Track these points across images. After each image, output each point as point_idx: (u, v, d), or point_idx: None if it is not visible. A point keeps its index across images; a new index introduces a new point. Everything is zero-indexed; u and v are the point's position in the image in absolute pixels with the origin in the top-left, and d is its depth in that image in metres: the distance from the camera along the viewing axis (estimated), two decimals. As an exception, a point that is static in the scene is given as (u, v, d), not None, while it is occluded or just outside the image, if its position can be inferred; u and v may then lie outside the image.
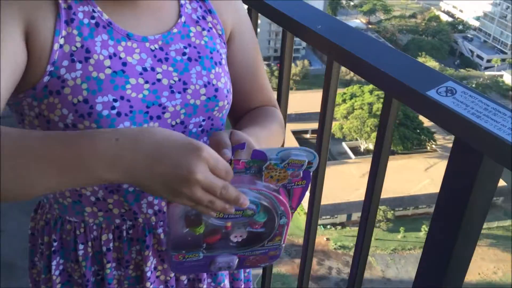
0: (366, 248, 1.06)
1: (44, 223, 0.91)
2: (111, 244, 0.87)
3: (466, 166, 0.74)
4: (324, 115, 1.09)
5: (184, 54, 0.84)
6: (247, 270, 1.07)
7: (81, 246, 0.87)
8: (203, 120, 0.86)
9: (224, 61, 0.90)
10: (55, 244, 0.89)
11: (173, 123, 0.83)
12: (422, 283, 0.87)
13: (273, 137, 0.90)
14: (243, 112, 0.98)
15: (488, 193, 0.75)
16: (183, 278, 0.93)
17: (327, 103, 1.08)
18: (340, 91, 27.24)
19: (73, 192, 0.84)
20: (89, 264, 0.88)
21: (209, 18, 0.89)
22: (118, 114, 0.76)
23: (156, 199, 0.85)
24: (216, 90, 0.85)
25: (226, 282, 0.99)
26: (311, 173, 0.72)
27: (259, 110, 0.98)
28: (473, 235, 0.78)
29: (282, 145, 1.13)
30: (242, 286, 1.04)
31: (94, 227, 0.86)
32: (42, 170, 0.63)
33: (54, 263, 0.90)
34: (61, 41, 0.75)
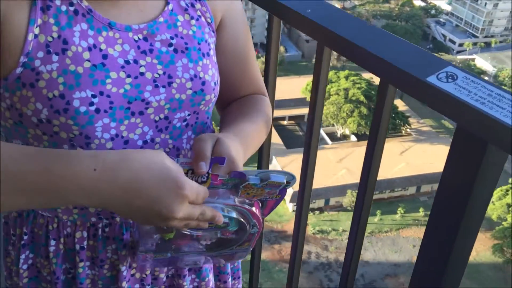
0: (361, 235, 1.04)
1: (16, 214, 0.86)
2: (85, 242, 0.83)
3: (469, 155, 0.71)
4: (315, 103, 1.05)
5: (170, 45, 0.79)
6: (236, 266, 1.04)
7: (52, 242, 0.83)
8: (188, 115, 0.82)
9: (212, 52, 0.85)
10: (25, 237, 0.84)
11: (157, 118, 0.78)
12: (421, 276, 0.84)
13: (259, 131, 0.89)
14: (231, 100, 0.94)
15: (491, 183, 0.72)
16: (162, 275, 0.90)
17: (318, 90, 1.04)
18: (316, 77, 27.35)
19: None
20: (60, 261, 0.84)
21: (198, 6, 0.84)
22: (97, 110, 0.71)
23: None
24: (203, 83, 0.81)
25: (211, 277, 0.96)
26: (287, 189, 0.75)
27: (247, 99, 0.94)
28: (475, 226, 0.75)
29: (269, 135, 1.10)
30: (229, 279, 1.01)
31: (68, 223, 0.82)
32: (12, 191, 0.61)
33: (22, 256, 0.85)
34: (36, 30, 0.69)
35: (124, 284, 0.85)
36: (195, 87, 0.80)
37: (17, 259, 0.86)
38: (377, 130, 0.91)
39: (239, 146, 0.78)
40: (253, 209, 0.73)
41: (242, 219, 0.73)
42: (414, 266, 0.84)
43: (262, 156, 1.31)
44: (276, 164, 23.13)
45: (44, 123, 0.70)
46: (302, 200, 1.19)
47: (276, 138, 24.73)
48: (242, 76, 0.93)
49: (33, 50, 0.68)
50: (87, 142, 0.73)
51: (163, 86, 0.77)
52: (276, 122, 26.13)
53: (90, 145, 0.73)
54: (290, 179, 0.71)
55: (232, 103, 0.94)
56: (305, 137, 1.14)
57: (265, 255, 19.33)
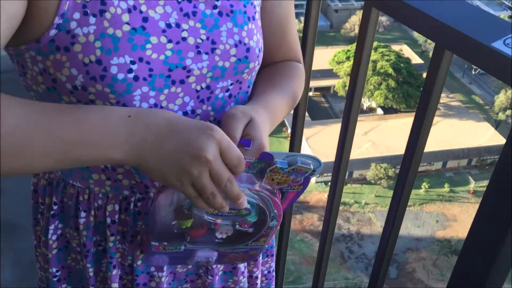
0: (401, 212, 1.01)
1: (46, 182, 0.84)
2: (116, 216, 0.80)
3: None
4: (358, 69, 1.00)
5: (215, 7, 0.73)
6: (270, 243, 1.03)
7: (82, 214, 0.80)
8: (231, 84, 0.77)
9: (257, 15, 0.80)
10: (54, 207, 0.82)
11: (198, 88, 0.74)
12: (464, 271, 0.79)
13: (288, 103, 0.85)
14: (265, 65, 0.90)
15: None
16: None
17: (362, 56, 0.99)
18: (343, 48, 26.85)
19: None
20: (91, 234, 0.82)
21: None
22: (136, 78, 0.67)
23: None
24: (248, 50, 0.76)
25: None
26: (310, 179, 0.71)
27: (281, 67, 0.90)
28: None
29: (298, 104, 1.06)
30: (260, 256, 0.99)
31: (100, 195, 0.79)
32: (47, 148, 0.58)
33: (52, 227, 0.84)
34: None
35: (138, 252, 0.83)
36: (239, 54, 0.75)
37: (46, 229, 0.84)
38: (427, 100, 0.85)
39: (268, 124, 0.75)
40: (276, 199, 0.70)
41: (263, 206, 0.70)
42: (457, 260, 0.80)
43: (295, 135, 1.28)
44: (300, 135, 23.05)
45: (79, 90, 0.66)
46: (338, 172, 1.16)
47: (301, 109, 24.60)
48: (281, 42, 0.89)
49: (68, 11, 0.63)
50: None
51: (206, 53, 0.72)
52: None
53: None
54: (317, 165, 0.67)
55: (266, 68, 0.90)
56: (344, 107, 1.10)
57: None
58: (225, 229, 0.73)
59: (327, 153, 20.79)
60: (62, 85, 0.66)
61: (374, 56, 25.34)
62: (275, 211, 0.71)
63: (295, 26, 0.92)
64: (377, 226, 20.77)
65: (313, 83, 26.15)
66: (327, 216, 1.25)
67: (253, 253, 0.80)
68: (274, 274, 1.09)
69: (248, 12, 0.77)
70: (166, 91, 0.71)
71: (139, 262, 0.83)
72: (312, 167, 0.67)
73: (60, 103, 0.63)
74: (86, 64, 0.64)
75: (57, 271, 0.88)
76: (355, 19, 30.36)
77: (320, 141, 22.47)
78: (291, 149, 1.35)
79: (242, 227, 0.73)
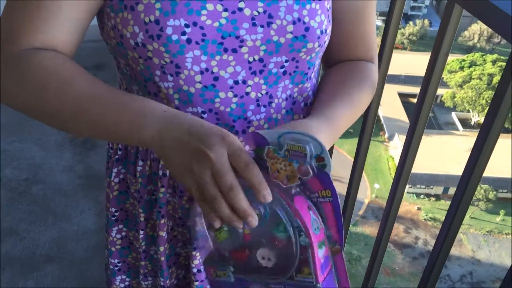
0: (456, 227, 0.98)
1: None
2: (167, 170, 0.85)
3: None
4: (433, 67, 0.96)
5: None
6: None
7: (140, 162, 0.87)
8: (286, 61, 0.77)
9: None
10: (119, 152, 0.90)
11: (251, 59, 0.75)
12: None
13: (356, 112, 0.80)
14: (336, 59, 0.87)
15: None
16: None
17: (438, 56, 0.94)
18: (459, 57, 25.36)
19: None
20: (145, 182, 0.88)
21: None
22: (188, 41, 0.71)
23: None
24: (307, 29, 0.74)
25: None
26: (331, 178, 0.58)
27: (351, 69, 0.85)
28: None
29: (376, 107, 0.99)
30: None
31: None
32: (97, 119, 0.68)
33: (115, 170, 0.91)
34: None
35: (197, 218, 0.87)
36: (297, 31, 0.74)
37: (111, 171, 0.92)
38: (497, 108, 0.80)
39: (328, 141, 0.72)
40: (293, 204, 0.58)
41: (278, 211, 0.59)
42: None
43: (365, 127, 1.26)
44: (397, 140, 22.27)
45: (140, 47, 0.72)
46: (397, 185, 1.14)
47: (402, 115, 23.70)
48: (354, 34, 0.84)
49: None
50: (177, 71, 0.73)
51: (261, 26, 0.72)
52: (405, 99, 24.92)
53: (179, 75, 0.74)
54: (319, 150, 0.56)
55: (335, 68, 0.86)
56: (412, 115, 1.07)
57: (369, 230, 19.05)
58: (264, 252, 0.62)
59: (423, 164, 19.90)
60: (127, 41, 0.72)
61: (491, 69, 23.67)
62: (298, 220, 0.59)
63: (374, 22, 0.86)
64: (468, 249, 19.55)
65: (419, 90, 25.01)
66: (381, 229, 1.24)
67: None
68: None
69: None
70: (218, 57, 0.73)
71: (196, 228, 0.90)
72: (305, 145, 0.56)
73: (110, 88, 0.70)
74: (146, 23, 0.70)
75: (115, 211, 0.96)
76: (476, 28, 28.52)
77: (418, 151, 21.51)
78: (357, 152, 1.32)
79: (276, 246, 0.61)
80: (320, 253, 0.60)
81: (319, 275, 0.61)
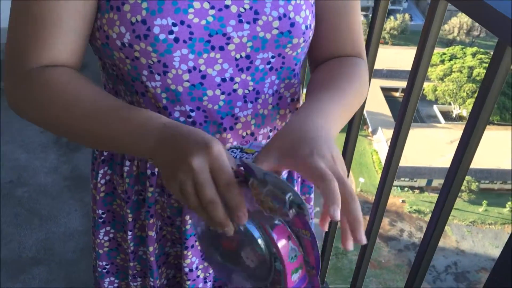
0: (444, 219, 1.00)
1: None
2: (156, 169, 0.85)
3: None
4: (419, 63, 0.98)
5: None
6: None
7: (127, 163, 0.87)
8: (273, 57, 0.77)
9: None
10: (105, 153, 0.89)
11: (238, 56, 0.75)
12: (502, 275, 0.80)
13: (350, 111, 0.78)
14: (323, 57, 0.86)
15: None
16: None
17: (423, 51, 0.96)
18: (439, 50, 25.64)
19: None
20: (132, 182, 0.88)
21: None
22: (176, 39, 0.71)
23: None
24: (292, 24, 0.75)
25: None
26: (312, 225, 0.60)
27: (340, 66, 0.83)
28: None
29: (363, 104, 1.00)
30: None
31: None
32: (98, 134, 0.69)
33: (101, 171, 0.91)
34: None
35: (187, 217, 0.87)
36: (282, 27, 0.74)
37: (97, 173, 0.92)
38: (482, 101, 0.82)
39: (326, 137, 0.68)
40: (271, 233, 0.59)
41: (261, 239, 0.59)
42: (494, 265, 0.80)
43: (353, 120, 1.28)
44: (380, 134, 22.47)
45: (127, 47, 0.72)
46: (386, 177, 1.16)
47: (384, 109, 23.89)
48: (340, 28, 0.84)
49: None
50: (164, 70, 0.74)
51: (248, 22, 0.73)
52: (388, 93, 25.14)
53: (167, 74, 0.74)
54: (299, 201, 0.55)
55: (324, 67, 0.85)
56: (399, 112, 1.09)
57: (355, 224, 19.17)
58: (249, 253, 0.63)
59: (407, 157, 20.10)
60: (113, 42, 0.72)
61: (471, 62, 23.99)
62: (274, 249, 0.60)
63: (359, 17, 0.86)
64: (452, 240, 19.83)
65: (401, 83, 25.27)
66: (371, 220, 1.26)
67: None
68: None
69: None
70: (205, 55, 0.73)
71: (187, 226, 0.89)
72: (286, 196, 0.55)
73: (115, 102, 0.70)
74: (132, 23, 0.70)
75: (102, 213, 0.95)
76: (456, 21, 28.84)
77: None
78: (345, 147, 1.32)
79: (249, 258, 0.63)
80: (294, 277, 0.62)
81: None
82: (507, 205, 20.73)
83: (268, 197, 0.57)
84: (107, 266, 1.04)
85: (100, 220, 0.96)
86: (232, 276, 0.68)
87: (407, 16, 31.24)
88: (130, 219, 0.92)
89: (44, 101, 0.71)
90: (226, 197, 0.58)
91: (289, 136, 0.64)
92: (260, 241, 0.60)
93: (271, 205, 0.57)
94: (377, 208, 1.22)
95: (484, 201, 20.85)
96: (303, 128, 0.65)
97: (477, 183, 20.54)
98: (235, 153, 0.68)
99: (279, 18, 0.74)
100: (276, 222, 0.59)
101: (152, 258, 0.94)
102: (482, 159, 20.78)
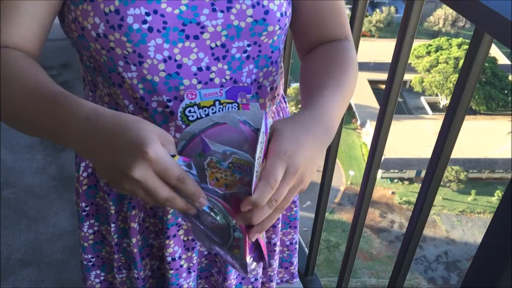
0: (427, 208, 1.01)
1: None
2: None
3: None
4: (399, 52, 0.98)
5: None
6: (294, 209, 1.04)
7: None
8: (248, 45, 0.77)
9: None
10: None
11: (213, 45, 0.75)
12: (479, 271, 0.81)
13: (347, 97, 0.78)
14: (311, 44, 0.86)
15: None
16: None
17: (403, 43, 0.97)
18: (425, 42, 25.81)
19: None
20: None
21: None
22: (150, 29, 0.71)
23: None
24: (266, 12, 0.75)
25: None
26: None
27: (330, 51, 0.83)
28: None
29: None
30: (279, 224, 1.00)
31: None
32: (28, 122, 0.68)
33: (83, 164, 0.91)
34: None
35: (168, 208, 0.88)
36: (256, 15, 0.74)
37: (79, 166, 0.92)
38: (462, 87, 0.83)
39: (323, 134, 0.69)
40: (228, 206, 0.62)
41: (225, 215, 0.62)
42: (472, 259, 0.81)
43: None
44: (369, 127, 22.58)
45: (102, 38, 0.71)
46: (370, 169, 1.17)
47: (373, 102, 24.01)
48: (322, 11, 0.83)
49: None
50: (140, 61, 0.73)
51: (221, 11, 0.73)
52: (375, 86, 25.27)
53: (142, 64, 0.74)
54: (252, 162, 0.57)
55: (315, 56, 0.84)
56: (381, 103, 1.09)
57: (346, 217, 19.31)
58: (212, 219, 0.65)
59: (396, 149, 20.23)
60: (89, 33, 0.72)
61: (457, 53, 24.17)
62: (234, 221, 0.62)
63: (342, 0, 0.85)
64: (442, 230, 20.03)
65: (389, 76, 25.34)
66: (357, 212, 1.27)
67: (236, 265, 0.71)
68: (297, 247, 1.12)
69: None
70: (180, 44, 0.73)
71: (169, 216, 0.89)
72: (253, 161, 0.57)
73: (47, 90, 0.68)
74: (106, 14, 0.70)
75: (86, 206, 0.96)
76: (441, 13, 29.03)
77: (389, 136, 21.87)
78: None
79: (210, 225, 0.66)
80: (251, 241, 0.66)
81: (247, 255, 0.67)
82: (495, 194, 20.99)
83: (229, 171, 0.58)
84: (93, 259, 1.04)
85: (84, 213, 0.97)
86: (200, 236, 0.71)
87: (392, 8, 31.37)
88: (113, 211, 0.92)
89: None
90: (180, 190, 0.59)
91: (288, 129, 0.64)
92: (215, 215, 0.62)
93: (230, 180, 0.59)
94: (362, 198, 1.24)
95: (473, 190, 21.08)
96: (300, 129, 0.65)
97: (465, 173, 20.75)
98: (193, 112, 0.67)
99: (253, 6, 0.74)
100: (230, 196, 0.61)
101: (135, 250, 0.94)
102: (470, 148, 20.99)
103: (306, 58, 0.86)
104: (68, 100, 0.65)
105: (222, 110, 0.67)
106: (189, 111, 0.68)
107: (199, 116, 0.68)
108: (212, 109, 0.67)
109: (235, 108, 0.67)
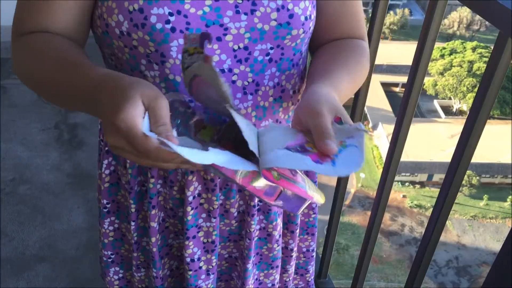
0: (445, 214, 1.00)
1: None
2: None
3: None
4: (419, 58, 0.98)
5: None
6: (312, 215, 1.04)
7: None
8: (271, 48, 0.77)
9: None
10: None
11: (235, 47, 0.75)
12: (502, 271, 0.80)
13: (355, 84, 0.81)
14: (323, 42, 0.87)
15: None
16: (233, 210, 0.91)
17: (424, 46, 0.97)
18: (439, 45, 25.60)
19: None
20: (135, 173, 0.88)
21: None
22: (173, 29, 0.71)
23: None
24: (291, 16, 0.74)
25: (279, 221, 0.96)
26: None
27: (343, 44, 0.84)
28: None
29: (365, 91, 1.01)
30: (297, 230, 1.01)
31: None
32: (54, 89, 0.72)
33: (105, 162, 0.91)
34: None
35: (189, 209, 0.88)
36: (281, 18, 0.74)
37: (101, 163, 0.92)
38: (484, 93, 0.82)
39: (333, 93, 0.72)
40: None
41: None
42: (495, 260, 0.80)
43: (354, 116, 1.29)
44: (381, 130, 22.46)
45: (125, 35, 0.72)
46: (387, 172, 1.16)
47: (385, 104, 23.88)
48: (341, 12, 0.83)
49: None
50: (162, 60, 0.74)
51: (245, 13, 0.73)
52: (388, 88, 25.12)
53: (165, 63, 0.74)
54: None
55: (325, 46, 0.85)
56: (400, 106, 1.09)
57: (356, 219, 19.21)
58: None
59: (407, 152, 20.09)
60: (112, 30, 0.73)
61: (471, 56, 23.94)
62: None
63: (360, 2, 0.86)
64: (453, 235, 19.86)
65: (401, 78, 25.23)
66: (373, 216, 1.27)
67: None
68: (314, 255, 1.12)
69: None
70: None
71: (189, 217, 0.89)
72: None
73: (80, 60, 0.70)
74: (130, 12, 0.70)
75: (107, 203, 0.96)
76: (456, 16, 28.79)
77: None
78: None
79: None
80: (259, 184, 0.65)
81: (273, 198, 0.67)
82: (508, 199, 20.74)
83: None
84: (112, 256, 1.05)
85: (105, 210, 0.97)
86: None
87: (406, 11, 31.17)
88: (133, 210, 0.93)
89: (27, 60, 0.74)
90: (153, 159, 0.59)
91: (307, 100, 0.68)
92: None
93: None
94: (378, 203, 1.23)
95: (485, 195, 20.86)
96: (317, 95, 0.68)
97: (478, 178, 20.56)
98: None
99: (277, 10, 0.73)
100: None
101: (154, 249, 0.95)
102: (483, 153, 20.78)
103: (319, 49, 0.87)
104: (90, 64, 0.69)
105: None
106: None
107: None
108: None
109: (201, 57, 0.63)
